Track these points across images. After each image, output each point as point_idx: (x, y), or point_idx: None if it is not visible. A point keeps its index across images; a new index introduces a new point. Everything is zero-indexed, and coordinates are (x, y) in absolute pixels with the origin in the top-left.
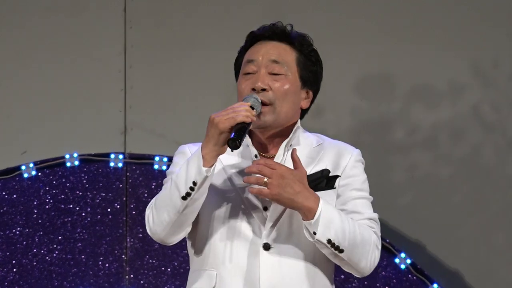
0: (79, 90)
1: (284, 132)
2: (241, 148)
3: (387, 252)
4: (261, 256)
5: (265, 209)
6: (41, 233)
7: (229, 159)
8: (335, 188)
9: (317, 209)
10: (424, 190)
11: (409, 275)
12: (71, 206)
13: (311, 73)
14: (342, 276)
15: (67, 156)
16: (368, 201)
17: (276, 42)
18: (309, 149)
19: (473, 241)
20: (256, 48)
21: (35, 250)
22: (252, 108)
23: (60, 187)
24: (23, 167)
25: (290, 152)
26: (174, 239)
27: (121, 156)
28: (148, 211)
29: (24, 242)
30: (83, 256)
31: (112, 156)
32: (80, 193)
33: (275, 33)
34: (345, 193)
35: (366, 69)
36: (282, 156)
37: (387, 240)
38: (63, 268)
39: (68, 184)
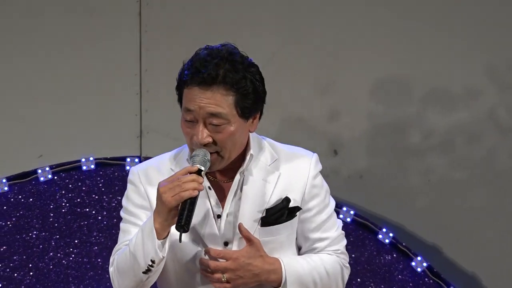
0: (95, 94)
1: (237, 159)
2: None
3: (404, 255)
4: None
5: (226, 244)
6: (58, 236)
7: None
8: (296, 216)
9: (282, 277)
10: (440, 193)
11: (426, 279)
12: (87, 209)
13: (252, 105)
14: (358, 280)
15: (83, 160)
16: (331, 217)
17: (211, 88)
18: (264, 170)
19: (490, 244)
20: (191, 95)
21: (51, 254)
22: (200, 171)
23: (76, 191)
24: (39, 171)
25: (244, 177)
26: None
27: (137, 160)
28: (111, 269)
29: (41, 246)
30: (99, 260)
31: (128, 159)
32: (96, 197)
33: (205, 81)
34: (308, 221)
35: (382, 72)
36: (237, 184)
37: (404, 244)
38: (80, 272)
39: (84, 188)
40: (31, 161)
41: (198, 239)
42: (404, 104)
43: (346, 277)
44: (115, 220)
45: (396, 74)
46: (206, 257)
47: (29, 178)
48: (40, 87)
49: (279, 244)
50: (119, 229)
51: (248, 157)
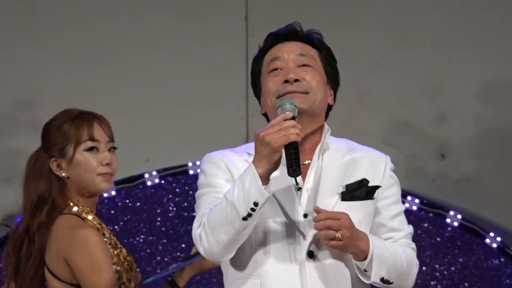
0: (202, 98)
1: (314, 137)
2: None
3: None
4: (306, 264)
5: (305, 216)
6: (165, 240)
7: None
8: (373, 199)
9: (369, 250)
10: None
11: None
12: (194, 214)
13: (333, 69)
14: (466, 284)
15: (189, 164)
16: (403, 214)
17: (296, 42)
18: (341, 154)
19: None
20: (278, 48)
21: (158, 258)
22: (294, 118)
23: (183, 195)
24: (146, 175)
25: (323, 156)
26: (228, 257)
27: None
28: (198, 230)
29: (148, 250)
30: None
31: None
32: None
33: (293, 33)
34: (385, 209)
35: (490, 75)
36: (317, 162)
37: None
38: None
39: (191, 192)
40: (138, 166)
41: (278, 210)
42: None
43: (416, 270)
44: None
45: (505, 77)
46: (310, 218)
47: (136, 183)
48: (148, 92)
49: (356, 223)
50: None
51: (325, 132)
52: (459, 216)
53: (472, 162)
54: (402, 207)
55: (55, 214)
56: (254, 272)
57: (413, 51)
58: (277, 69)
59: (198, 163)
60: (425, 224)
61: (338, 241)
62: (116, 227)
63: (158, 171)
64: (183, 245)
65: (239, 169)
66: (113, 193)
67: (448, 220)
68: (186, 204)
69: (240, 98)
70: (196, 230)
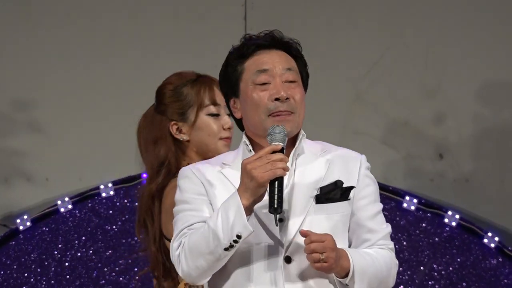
0: None
1: (289, 142)
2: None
3: (510, 260)
4: (284, 269)
5: (281, 220)
6: None
7: (234, 174)
8: (349, 199)
9: (350, 267)
10: None
11: None
12: None
13: (307, 75)
14: (464, 284)
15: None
16: (381, 213)
17: (277, 51)
18: (314, 157)
19: None
20: (263, 57)
21: None
22: (283, 149)
23: None
24: (144, 175)
25: (297, 161)
26: (205, 281)
27: None
28: (177, 252)
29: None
30: None
31: None
32: None
33: (274, 41)
34: (363, 210)
35: (488, 75)
36: (291, 166)
37: (510, 248)
38: None
39: None
40: (136, 166)
41: (252, 217)
42: (511, 107)
43: (396, 272)
44: None
45: (503, 76)
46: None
47: (134, 182)
48: (147, 92)
49: (333, 226)
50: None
51: (300, 136)
52: (457, 216)
53: (470, 162)
54: (380, 206)
55: (171, 176)
56: (230, 283)
57: (411, 51)
58: (265, 83)
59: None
60: (423, 224)
61: (323, 263)
62: (114, 227)
63: None
64: None
65: (212, 181)
66: (112, 192)
67: (446, 220)
68: None
69: None
70: (175, 250)
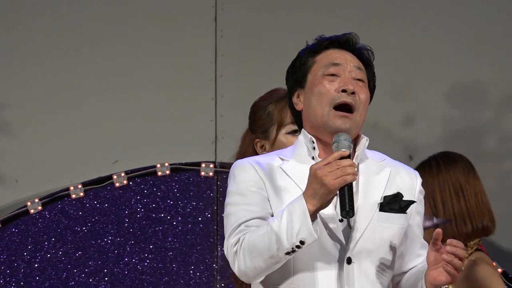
0: (170, 99)
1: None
2: (309, 159)
3: None
4: (345, 270)
5: (341, 221)
6: (133, 242)
7: (293, 169)
8: (406, 213)
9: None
10: None
11: None
12: (162, 215)
13: (373, 87)
14: None
15: (158, 165)
16: None
17: (351, 53)
18: (376, 164)
19: None
20: (337, 53)
21: (126, 259)
22: (349, 156)
23: (151, 196)
24: (114, 176)
25: (359, 166)
26: (259, 280)
27: (212, 165)
28: (235, 248)
29: (116, 251)
30: (174, 265)
31: (203, 165)
32: (171, 202)
33: (349, 42)
34: (417, 226)
35: (457, 77)
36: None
37: None
38: (154, 277)
39: (159, 193)
40: (106, 167)
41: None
42: (481, 109)
43: None
44: (189, 225)
45: (473, 78)
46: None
47: (104, 184)
48: (116, 93)
49: (393, 235)
50: (193, 235)
51: (362, 140)
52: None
53: None
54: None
55: None
56: (290, 280)
57: (381, 52)
58: (334, 75)
59: (166, 164)
60: None
61: (459, 271)
62: (84, 228)
63: (127, 172)
64: (151, 247)
65: (271, 176)
66: (81, 194)
67: None
68: (154, 205)
69: (209, 99)
70: (233, 247)
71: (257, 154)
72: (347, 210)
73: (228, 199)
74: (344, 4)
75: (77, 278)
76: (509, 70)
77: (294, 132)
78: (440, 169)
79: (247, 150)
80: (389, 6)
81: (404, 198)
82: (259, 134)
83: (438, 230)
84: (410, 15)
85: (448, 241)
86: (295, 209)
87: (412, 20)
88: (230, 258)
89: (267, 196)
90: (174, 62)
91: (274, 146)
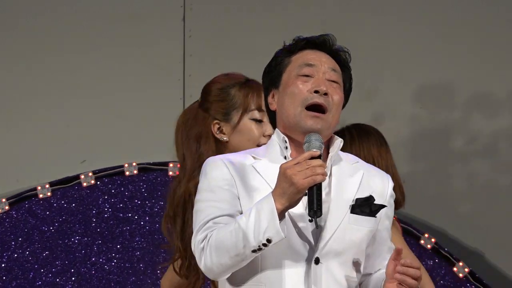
0: (139, 99)
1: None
2: (282, 158)
3: (446, 260)
4: (312, 270)
5: (310, 221)
6: (100, 242)
7: (265, 168)
8: (376, 217)
9: None
10: (483, 198)
11: (468, 284)
12: (130, 215)
13: (349, 91)
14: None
15: (126, 165)
16: None
17: (326, 54)
18: (349, 166)
19: None
20: (312, 54)
21: (93, 259)
22: (320, 156)
23: (119, 196)
24: (82, 176)
25: (332, 168)
26: (226, 277)
27: (179, 165)
28: (202, 245)
29: (83, 251)
30: (141, 265)
31: (171, 165)
32: (139, 202)
33: (325, 44)
34: (385, 230)
35: (425, 77)
36: (329, 169)
37: (446, 249)
38: (122, 277)
39: (126, 193)
40: (74, 167)
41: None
42: (448, 109)
43: None
44: (157, 225)
45: (440, 79)
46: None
47: (72, 184)
48: (84, 93)
49: (362, 238)
50: (161, 234)
51: (336, 141)
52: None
53: (407, 163)
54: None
55: None
56: (257, 278)
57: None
58: (308, 75)
59: (134, 164)
60: None
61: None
62: (51, 228)
63: (94, 172)
64: (118, 246)
65: (243, 174)
66: (49, 193)
67: None
68: (121, 205)
69: (177, 99)
70: (200, 243)
71: (213, 135)
72: (315, 209)
73: (198, 196)
74: (311, 4)
75: (44, 278)
76: (477, 70)
77: (258, 122)
78: (354, 140)
79: (203, 130)
80: (356, 6)
81: (375, 202)
82: (218, 116)
83: (399, 248)
84: (378, 15)
85: (402, 261)
86: (263, 208)
87: (380, 20)
88: (197, 254)
89: (238, 194)
90: (143, 62)
91: (236, 130)
